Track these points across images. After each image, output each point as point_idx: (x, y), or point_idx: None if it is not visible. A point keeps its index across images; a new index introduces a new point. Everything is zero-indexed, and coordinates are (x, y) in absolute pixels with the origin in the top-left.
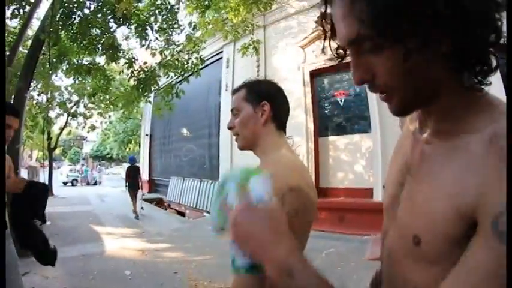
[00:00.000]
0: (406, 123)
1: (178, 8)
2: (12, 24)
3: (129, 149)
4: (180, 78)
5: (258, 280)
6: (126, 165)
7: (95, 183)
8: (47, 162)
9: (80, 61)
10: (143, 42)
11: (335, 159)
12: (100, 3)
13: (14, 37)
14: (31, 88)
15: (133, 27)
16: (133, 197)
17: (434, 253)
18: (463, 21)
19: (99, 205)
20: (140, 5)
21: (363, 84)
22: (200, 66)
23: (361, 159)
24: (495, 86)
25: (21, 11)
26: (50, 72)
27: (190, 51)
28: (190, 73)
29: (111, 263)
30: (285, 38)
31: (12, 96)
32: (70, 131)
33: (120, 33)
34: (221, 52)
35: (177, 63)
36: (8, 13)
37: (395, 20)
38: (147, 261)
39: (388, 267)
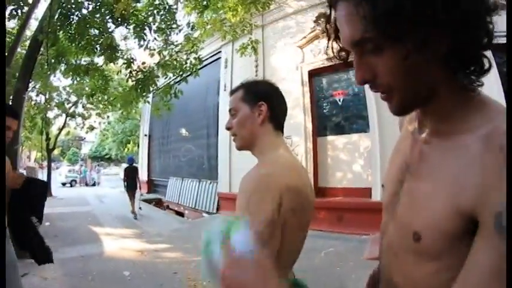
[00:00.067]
0: (405, 123)
1: (176, 8)
2: (10, 24)
3: (128, 149)
4: (178, 79)
5: None
6: (124, 165)
7: (94, 184)
8: (45, 163)
9: (78, 61)
10: (141, 42)
11: (333, 159)
12: (98, 4)
13: (12, 38)
14: (29, 89)
15: (131, 27)
16: (132, 197)
17: (434, 249)
18: (462, 22)
19: (98, 206)
20: (138, 5)
21: (365, 84)
22: (198, 67)
23: (360, 159)
24: (493, 85)
25: (19, 11)
26: (48, 72)
27: (189, 52)
28: (188, 73)
29: (110, 264)
30: (283, 38)
31: (11, 97)
32: (69, 131)
33: (119, 33)
34: (219, 52)
35: (175, 63)
36: (6, 14)
37: (397, 21)
38: (146, 261)
39: (387, 263)
